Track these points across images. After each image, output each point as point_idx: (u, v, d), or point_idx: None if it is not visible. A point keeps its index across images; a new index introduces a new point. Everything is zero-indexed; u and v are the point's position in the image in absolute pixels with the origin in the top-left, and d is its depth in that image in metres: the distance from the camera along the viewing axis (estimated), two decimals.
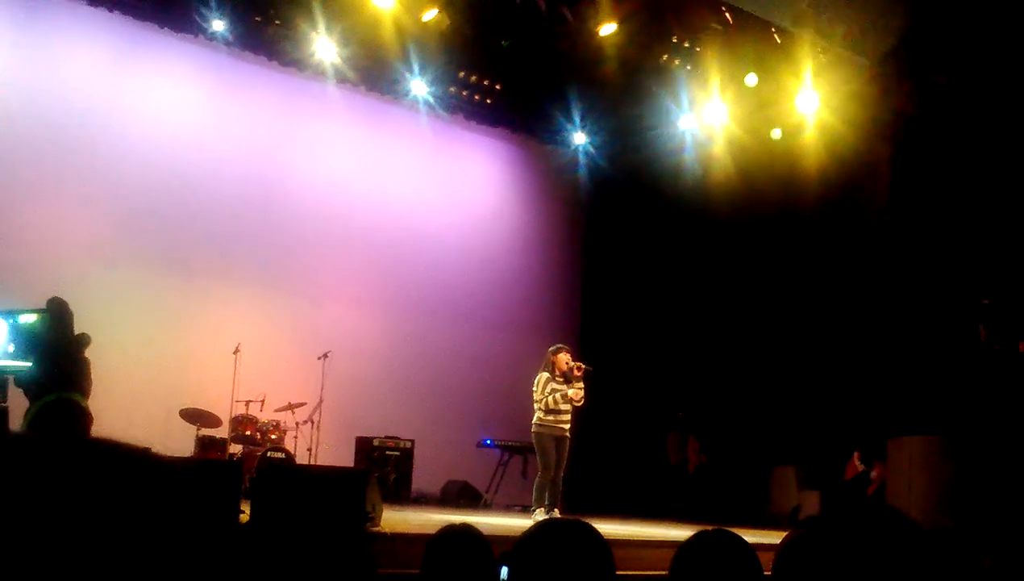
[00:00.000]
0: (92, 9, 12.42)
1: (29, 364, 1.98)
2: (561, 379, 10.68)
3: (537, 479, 10.81)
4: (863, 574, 2.68)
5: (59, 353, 2.00)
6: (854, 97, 12.76)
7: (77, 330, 2.17)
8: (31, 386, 2.00)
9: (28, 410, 1.97)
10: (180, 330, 13.06)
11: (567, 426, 10.70)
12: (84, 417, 2.06)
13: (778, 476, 14.11)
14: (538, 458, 10.78)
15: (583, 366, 10.76)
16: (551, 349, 10.84)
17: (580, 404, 10.86)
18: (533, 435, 10.71)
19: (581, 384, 10.72)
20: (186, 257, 13.19)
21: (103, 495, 1.02)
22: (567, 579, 2.52)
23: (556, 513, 10.30)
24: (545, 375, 10.66)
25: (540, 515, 10.37)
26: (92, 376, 2.10)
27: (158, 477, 1.10)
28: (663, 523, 11.47)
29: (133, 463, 1.08)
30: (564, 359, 10.72)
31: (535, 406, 10.63)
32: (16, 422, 1.88)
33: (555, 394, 10.54)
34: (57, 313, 2.06)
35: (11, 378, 1.99)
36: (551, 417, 10.54)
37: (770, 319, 14.22)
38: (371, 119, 14.93)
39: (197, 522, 1.15)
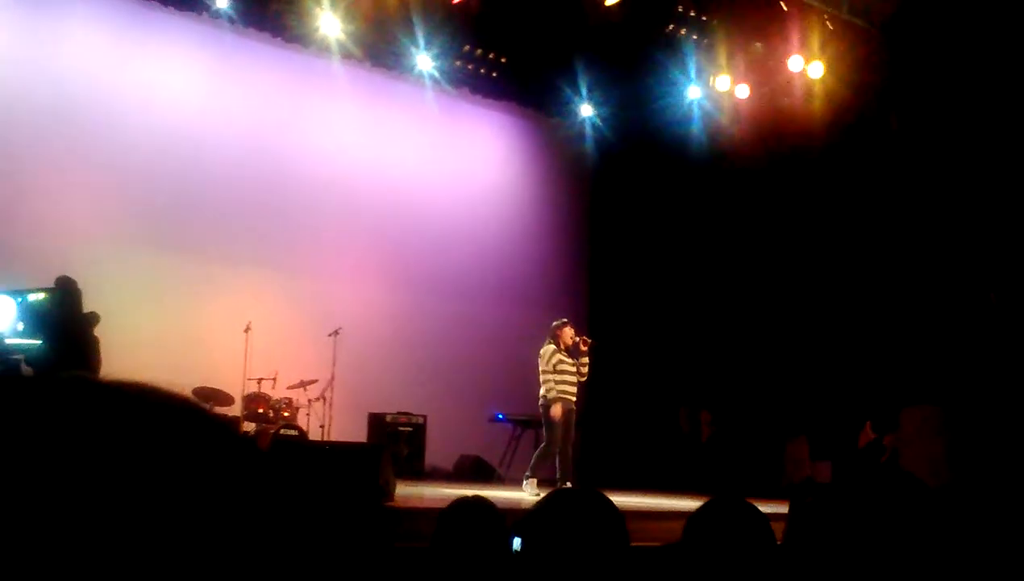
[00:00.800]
0: None
1: (39, 342, 1.98)
2: (566, 353, 10.75)
3: (540, 449, 10.87)
4: (874, 539, 2.68)
5: (68, 331, 2.00)
6: (861, 63, 12.69)
7: (87, 310, 2.17)
8: (41, 365, 2.00)
9: None
10: (190, 309, 13.08)
11: (573, 398, 10.77)
12: None
13: (791, 447, 14.11)
14: (545, 430, 10.84)
15: (588, 340, 10.83)
16: (555, 323, 10.92)
17: (585, 379, 10.93)
18: (541, 407, 10.78)
19: (586, 359, 10.80)
20: (194, 236, 13.19)
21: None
22: (580, 549, 2.53)
23: (568, 485, 10.34)
24: (551, 347, 10.74)
25: (532, 487, 10.46)
26: (102, 354, 2.11)
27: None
28: (676, 495, 11.47)
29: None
30: (569, 333, 10.80)
31: (541, 378, 10.69)
32: None
33: (562, 365, 10.64)
34: (65, 291, 2.06)
35: (23, 357, 2.00)
36: (559, 388, 10.61)
37: (781, 290, 14.19)
38: (377, 95, 14.89)
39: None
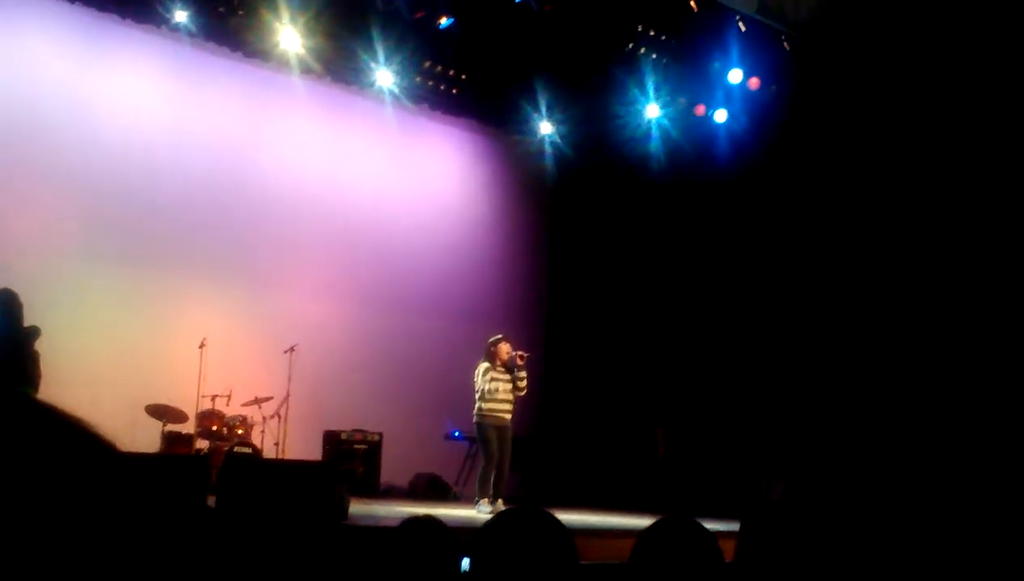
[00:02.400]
0: (52, 0, 12.28)
1: None
2: (503, 369, 10.81)
3: (481, 470, 10.92)
4: (825, 556, 2.69)
5: (7, 346, 1.96)
6: (817, 84, 12.84)
7: (35, 323, 2.13)
8: None
9: None
10: (144, 324, 12.94)
11: (508, 415, 10.85)
12: None
13: (746, 465, 14.15)
14: (480, 448, 10.91)
15: (524, 355, 10.90)
16: (491, 339, 11.00)
17: (523, 393, 11.00)
18: (475, 425, 10.87)
19: (523, 374, 10.86)
20: (150, 250, 13.07)
21: (70, 488, 1.00)
22: (528, 568, 2.51)
23: (500, 504, 10.39)
24: (485, 365, 10.83)
25: (485, 505, 10.48)
26: (43, 369, 2.07)
27: (126, 472, 1.08)
28: (630, 513, 11.49)
29: (102, 456, 1.06)
30: (505, 349, 10.90)
31: (476, 395, 10.78)
32: None
33: (495, 382, 10.70)
34: (4, 304, 2.02)
35: None
36: (490, 406, 10.70)
37: (739, 307, 14.25)
38: (336, 110, 14.85)
39: (164, 517, 1.14)
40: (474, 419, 10.87)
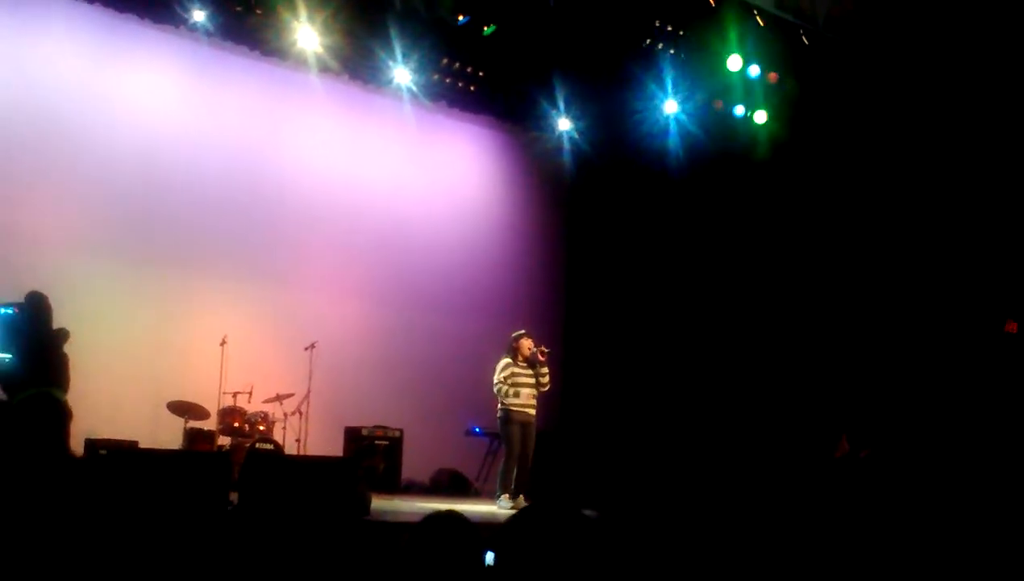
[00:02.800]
0: (71, 1, 12.35)
1: (8, 356, 1.98)
2: (524, 364, 10.84)
3: (502, 464, 10.94)
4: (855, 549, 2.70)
5: (37, 347, 2.00)
6: (835, 79, 12.81)
7: (61, 325, 2.16)
8: (9, 380, 1.99)
9: (9, 402, 1.95)
10: (166, 323, 13.01)
11: (532, 411, 10.86)
12: (63, 412, 2.06)
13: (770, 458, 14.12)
14: (503, 442, 10.93)
15: (545, 350, 10.93)
16: (513, 334, 11.05)
17: (546, 389, 11.02)
18: (499, 420, 10.90)
19: (545, 369, 10.89)
20: (170, 249, 13.14)
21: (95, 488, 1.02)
22: (552, 563, 2.53)
23: (522, 500, 10.41)
24: (506, 360, 10.86)
25: (506, 501, 10.50)
26: (71, 371, 2.11)
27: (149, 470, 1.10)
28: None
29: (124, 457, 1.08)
30: (527, 344, 10.94)
31: (496, 390, 10.80)
32: None
33: (517, 377, 10.73)
34: (35, 307, 2.06)
35: None
36: (514, 401, 10.72)
37: (760, 302, 14.22)
38: (354, 108, 14.88)
39: (187, 513, 1.16)
40: (498, 414, 10.90)
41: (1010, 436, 10.68)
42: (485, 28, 12.81)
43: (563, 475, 14.47)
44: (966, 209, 11.83)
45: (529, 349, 10.90)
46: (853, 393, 12.57)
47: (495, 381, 10.85)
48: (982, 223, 11.71)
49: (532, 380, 10.89)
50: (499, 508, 10.36)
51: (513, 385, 10.78)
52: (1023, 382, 10.97)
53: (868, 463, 11.90)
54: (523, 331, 11.07)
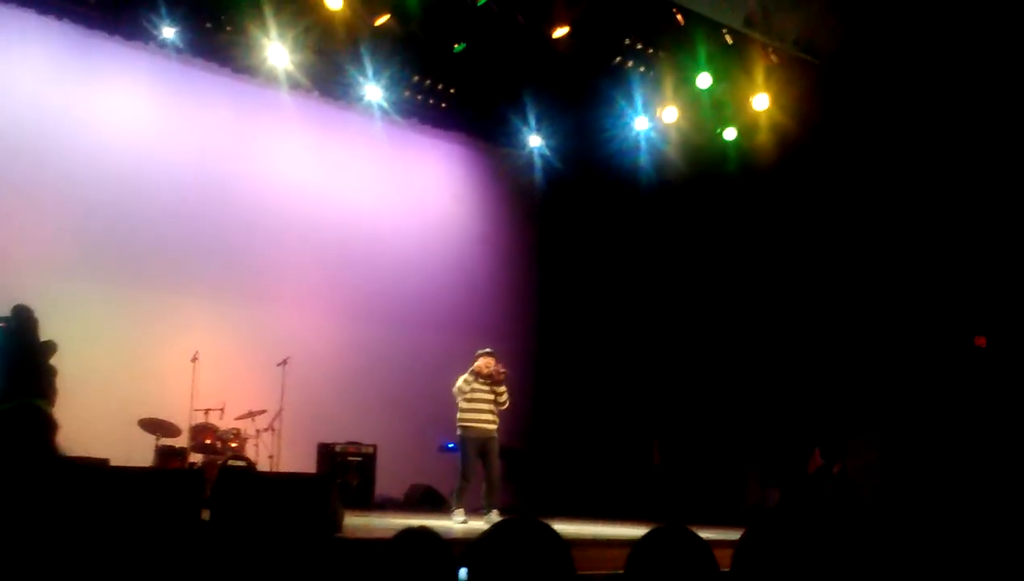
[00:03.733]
0: (41, 18, 12.32)
1: None
2: (484, 381, 10.91)
3: (460, 477, 10.96)
4: (820, 565, 2.73)
5: (22, 359, 2.01)
6: (805, 97, 12.91)
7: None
8: None
9: None
10: (137, 339, 12.95)
11: (491, 427, 10.90)
12: (49, 424, 2.08)
13: (742, 474, 14.21)
14: (460, 457, 10.97)
15: (502, 371, 11.00)
16: (478, 352, 11.07)
17: (504, 407, 11.08)
18: (457, 434, 10.95)
19: (503, 388, 10.96)
20: (142, 266, 13.09)
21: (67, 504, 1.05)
22: (525, 579, 2.55)
23: (495, 515, 10.42)
24: (466, 376, 10.90)
25: (459, 515, 10.52)
26: (57, 384, 2.13)
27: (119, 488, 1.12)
28: (626, 523, 11.52)
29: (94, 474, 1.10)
30: (484, 363, 10.98)
31: (453, 389, 10.89)
32: None
33: (476, 393, 10.80)
34: (21, 320, 2.08)
35: None
36: (472, 416, 10.79)
37: (731, 318, 14.31)
38: (325, 125, 14.89)
39: (159, 531, 1.18)
40: (457, 429, 10.96)
41: (982, 444, 10.78)
42: (456, 46, 12.86)
43: (535, 489, 14.50)
44: (936, 223, 11.95)
45: (487, 367, 10.97)
46: (825, 408, 12.66)
47: (456, 387, 10.89)
48: (952, 236, 11.84)
49: (491, 397, 10.96)
50: (453, 522, 10.39)
51: (471, 400, 10.85)
52: (992, 394, 11.08)
53: (841, 478, 11.98)
54: (489, 350, 11.11)
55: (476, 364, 10.97)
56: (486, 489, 10.85)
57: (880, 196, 12.39)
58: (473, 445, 10.82)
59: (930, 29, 11.53)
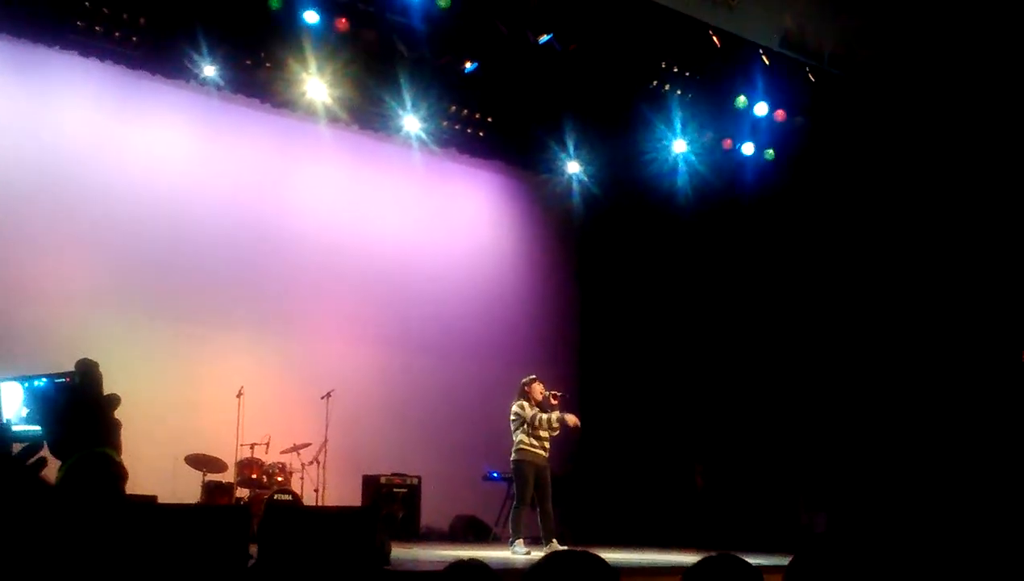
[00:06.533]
0: (84, 60, 12.48)
1: (37, 428, 2.00)
2: (537, 409, 10.78)
3: (512, 510, 10.85)
4: None
5: (88, 412, 2.02)
6: (842, 115, 12.86)
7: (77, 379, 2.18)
8: (55, 446, 2.01)
9: (61, 466, 1.97)
10: (182, 376, 13.04)
11: (545, 454, 10.81)
12: (119, 472, 2.08)
13: (788, 499, 14.07)
14: (516, 487, 10.85)
15: (557, 394, 10.88)
16: (524, 379, 10.98)
17: (557, 432, 10.94)
18: (512, 464, 10.80)
19: (558, 413, 10.81)
20: (185, 301, 13.19)
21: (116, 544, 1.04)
22: None
23: (555, 544, 10.32)
24: (521, 403, 10.77)
25: (520, 547, 10.41)
26: (122, 435, 2.13)
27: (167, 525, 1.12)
28: (672, 550, 11.42)
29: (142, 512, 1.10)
30: (539, 388, 10.89)
31: (516, 433, 10.70)
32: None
33: (546, 414, 10.66)
34: (85, 374, 2.09)
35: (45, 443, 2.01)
36: (533, 443, 10.66)
37: (774, 341, 14.21)
38: (364, 157, 14.98)
39: (207, 568, 1.17)
40: (511, 458, 10.84)
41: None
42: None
43: (579, 516, 14.41)
44: (973, 243, 11.84)
45: (541, 393, 10.86)
46: (870, 432, 12.53)
47: (528, 417, 10.71)
48: (988, 257, 11.71)
49: (545, 424, 10.84)
50: (513, 554, 10.29)
51: (534, 428, 10.71)
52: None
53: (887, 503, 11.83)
54: (533, 376, 11.04)
55: (528, 391, 10.84)
56: (542, 519, 10.75)
57: (924, 211, 12.29)
58: (531, 471, 10.70)
59: (960, 42, 11.46)
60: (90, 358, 1.95)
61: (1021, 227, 11.49)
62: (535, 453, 10.71)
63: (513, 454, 10.81)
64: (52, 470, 1.85)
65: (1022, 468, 10.68)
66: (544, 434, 10.76)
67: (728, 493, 14.42)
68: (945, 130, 11.94)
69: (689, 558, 2.87)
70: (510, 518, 10.94)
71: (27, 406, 1.93)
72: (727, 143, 13.76)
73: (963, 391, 11.54)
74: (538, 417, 10.67)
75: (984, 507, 10.53)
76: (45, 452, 1.90)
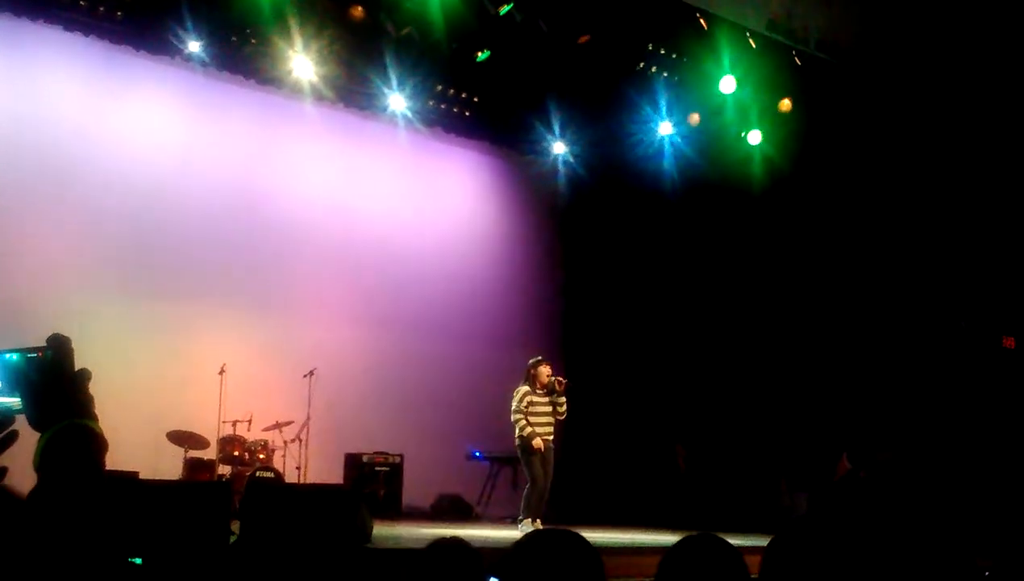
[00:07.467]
0: (68, 34, 12.39)
1: (15, 400, 1.99)
2: (543, 392, 10.68)
3: (527, 490, 10.80)
4: (847, 572, 2.71)
5: (62, 387, 2.01)
6: (829, 99, 12.88)
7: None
8: (32, 420, 2.01)
9: (40, 438, 1.97)
10: (164, 352, 13.00)
11: (550, 437, 10.72)
12: (100, 443, 2.07)
13: (770, 480, 14.14)
14: (526, 471, 10.79)
15: (563, 381, 10.76)
16: (531, 361, 10.83)
17: (563, 418, 10.86)
18: (518, 448, 10.72)
19: (563, 399, 10.72)
20: (167, 279, 13.14)
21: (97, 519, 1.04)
22: None
23: (539, 524, 10.32)
24: (524, 388, 10.67)
25: (527, 526, 10.39)
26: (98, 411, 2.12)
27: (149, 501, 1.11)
28: (654, 530, 11.47)
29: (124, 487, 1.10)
30: (546, 372, 10.72)
31: (513, 417, 10.62)
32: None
33: (535, 406, 10.57)
34: (57, 350, 2.08)
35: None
36: (533, 429, 10.56)
37: (756, 323, 14.26)
38: (350, 135, 14.93)
39: (188, 544, 1.17)
40: (516, 442, 10.73)
41: (1009, 446, 10.69)
42: (479, 54, 12.87)
43: (562, 496, 14.46)
44: (964, 224, 11.89)
45: (548, 377, 10.74)
46: (852, 412, 12.58)
47: (512, 409, 10.66)
48: (979, 239, 11.76)
49: (549, 408, 10.69)
50: (521, 532, 10.26)
51: (531, 414, 10.63)
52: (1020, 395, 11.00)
53: (869, 483, 11.89)
54: (540, 358, 10.86)
55: (534, 374, 10.74)
56: (538, 499, 10.72)
57: (908, 197, 12.33)
58: (538, 455, 10.62)
59: (949, 27, 11.48)
60: (62, 333, 1.94)
61: (1008, 214, 11.53)
62: (537, 435, 10.61)
63: (516, 439, 10.70)
64: (31, 443, 1.85)
65: (1006, 448, 10.75)
66: (545, 418, 10.68)
67: (710, 474, 14.48)
68: (932, 114, 11.97)
69: (671, 538, 2.89)
70: (524, 497, 10.82)
71: (2, 380, 1.92)
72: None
73: (944, 374, 11.60)
74: (516, 420, 10.61)
75: (965, 488, 10.59)
76: (19, 425, 1.90)
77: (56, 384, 1.90)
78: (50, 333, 2.05)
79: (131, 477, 10.47)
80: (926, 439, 11.39)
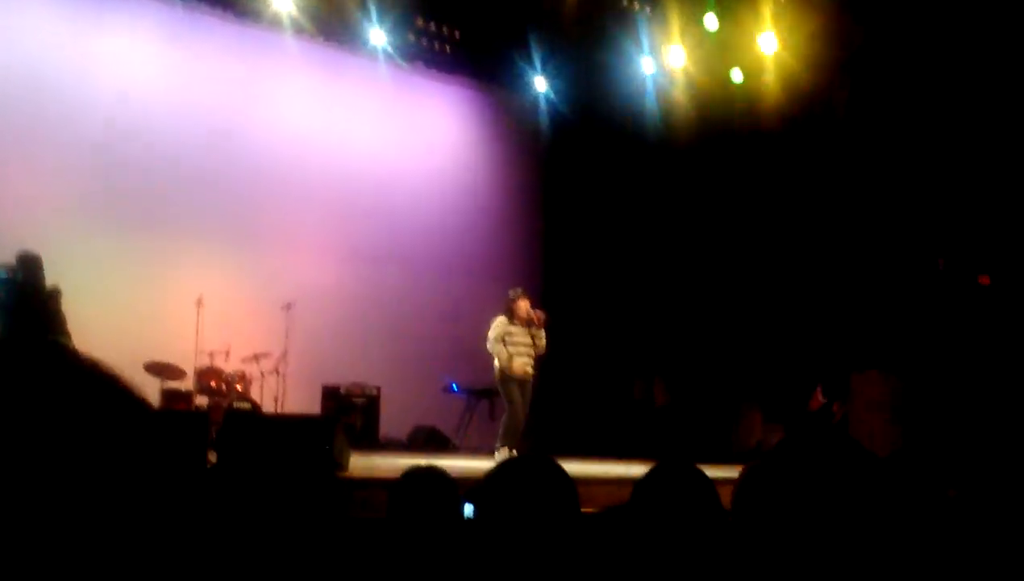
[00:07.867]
0: None
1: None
2: (519, 324, 10.66)
3: (504, 419, 10.82)
4: (817, 502, 2.75)
5: (34, 306, 2.01)
6: (813, 37, 12.81)
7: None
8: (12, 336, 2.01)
9: None
10: (141, 283, 12.96)
11: (530, 369, 10.74)
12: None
13: (744, 413, 14.30)
14: (505, 401, 10.82)
15: (542, 316, 10.74)
16: (511, 293, 10.76)
17: (543, 352, 10.87)
18: (498, 380, 10.73)
19: (542, 332, 10.71)
20: (144, 210, 13.06)
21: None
22: (531, 515, 2.57)
23: (515, 454, 10.36)
24: (502, 318, 10.63)
25: (504, 454, 10.45)
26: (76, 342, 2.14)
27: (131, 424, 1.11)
28: (629, 461, 11.58)
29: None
30: (524, 306, 10.67)
31: (491, 347, 10.58)
32: None
33: (514, 337, 10.55)
34: (27, 267, 2.07)
35: None
36: (512, 361, 10.57)
37: (733, 259, 14.32)
38: (329, 69, 14.80)
39: (165, 473, 1.17)
40: (495, 374, 10.72)
41: (985, 382, 10.79)
42: None
43: (538, 427, 14.58)
44: (938, 161, 11.92)
45: (526, 311, 10.71)
46: (828, 345, 12.70)
47: (490, 338, 10.59)
48: (954, 174, 11.81)
49: (528, 340, 10.67)
50: (497, 459, 10.33)
51: (510, 344, 10.58)
52: (995, 333, 11.09)
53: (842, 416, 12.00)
54: (520, 290, 10.81)
55: (513, 306, 10.68)
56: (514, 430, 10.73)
57: (886, 135, 12.34)
58: (516, 387, 10.59)
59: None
60: (30, 250, 1.93)
61: (989, 154, 11.57)
62: (518, 371, 10.59)
63: (495, 371, 10.68)
64: None
65: (977, 381, 10.84)
66: (524, 349, 10.65)
67: (686, 406, 14.62)
68: (910, 47, 11.95)
69: (644, 469, 2.92)
70: (503, 425, 10.80)
71: None
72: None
73: (921, 307, 11.69)
74: (494, 349, 10.55)
75: (941, 423, 10.70)
76: None
77: (28, 302, 1.89)
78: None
79: None
80: (903, 374, 11.49)
